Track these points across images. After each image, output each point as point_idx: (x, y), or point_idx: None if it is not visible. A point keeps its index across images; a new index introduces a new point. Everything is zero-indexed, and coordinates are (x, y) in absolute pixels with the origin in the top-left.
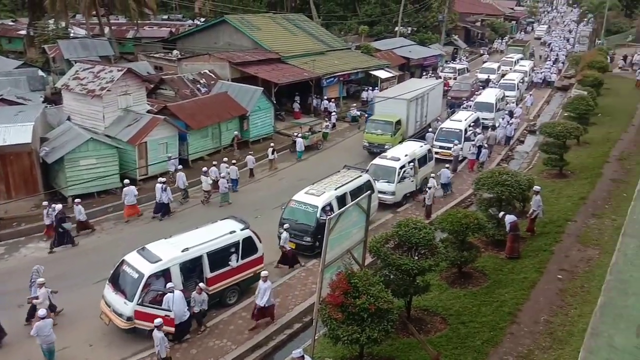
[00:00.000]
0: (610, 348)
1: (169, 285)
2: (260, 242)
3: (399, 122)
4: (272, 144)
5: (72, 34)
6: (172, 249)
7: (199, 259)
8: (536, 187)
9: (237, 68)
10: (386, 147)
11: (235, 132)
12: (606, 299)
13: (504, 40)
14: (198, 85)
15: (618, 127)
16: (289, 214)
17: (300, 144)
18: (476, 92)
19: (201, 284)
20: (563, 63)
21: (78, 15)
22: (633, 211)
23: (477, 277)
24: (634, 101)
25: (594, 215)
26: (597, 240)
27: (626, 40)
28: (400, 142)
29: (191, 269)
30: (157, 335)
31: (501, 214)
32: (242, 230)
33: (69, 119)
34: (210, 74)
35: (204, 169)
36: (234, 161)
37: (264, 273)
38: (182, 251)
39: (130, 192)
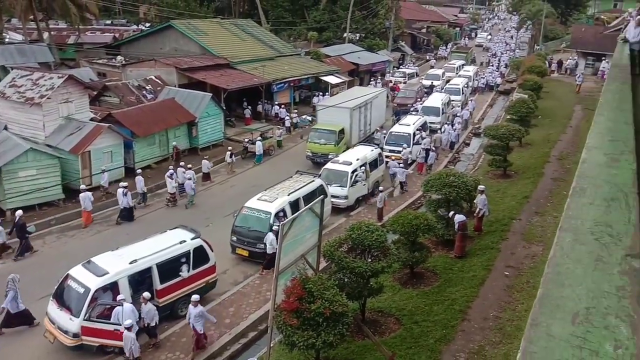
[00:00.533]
0: (549, 337)
1: (119, 297)
2: (212, 250)
3: (342, 131)
4: (230, 148)
5: (7, 40)
6: (119, 262)
7: (148, 271)
8: (480, 187)
9: (184, 74)
10: (330, 156)
11: (174, 143)
12: (544, 290)
13: (448, 47)
14: (144, 92)
15: (557, 129)
16: (241, 221)
17: (259, 146)
18: (420, 99)
19: (145, 294)
20: (506, 67)
21: (14, 20)
22: (568, 207)
23: (429, 277)
24: (571, 104)
25: (537, 213)
26: (541, 237)
27: (561, 46)
28: (344, 151)
29: (140, 281)
30: (128, 335)
31: (451, 213)
32: (192, 239)
33: (5, 128)
34: (157, 80)
35: (170, 171)
36: (189, 166)
37: (194, 297)
38: (130, 263)
39: (86, 198)
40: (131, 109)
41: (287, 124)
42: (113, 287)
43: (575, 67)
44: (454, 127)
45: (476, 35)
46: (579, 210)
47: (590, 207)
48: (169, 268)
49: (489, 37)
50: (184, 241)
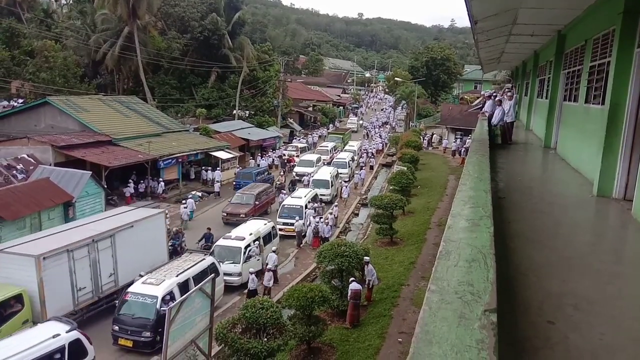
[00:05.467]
0: None
1: None
2: (91, 343)
3: (18, 299)
4: None
5: None
6: None
7: None
8: (365, 258)
9: (61, 152)
10: None
11: None
12: (414, 349)
13: (330, 126)
14: (14, 172)
15: (435, 197)
16: (124, 308)
17: (192, 204)
18: (263, 204)
19: None
20: (382, 145)
21: None
22: (436, 269)
23: (326, 351)
24: (445, 174)
25: (423, 278)
26: None
27: (435, 122)
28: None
29: None
30: None
31: (351, 279)
32: (67, 332)
33: None
34: (29, 159)
35: None
36: None
37: None
38: None
39: None
40: None
41: (217, 188)
42: None
43: (440, 141)
44: (331, 212)
45: (357, 113)
46: (445, 272)
47: (455, 268)
48: None
49: (360, 121)
50: (58, 335)
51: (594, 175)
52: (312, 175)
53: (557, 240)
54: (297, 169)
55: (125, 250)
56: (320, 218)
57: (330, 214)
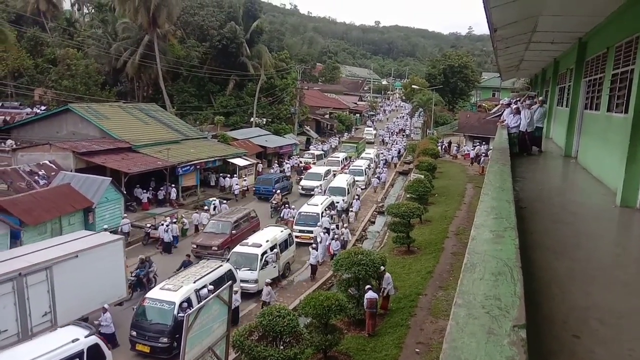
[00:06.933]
0: None
1: None
2: (109, 348)
3: None
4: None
5: None
6: None
7: None
8: (381, 267)
9: (82, 158)
10: None
11: None
12: None
13: (343, 135)
14: (36, 177)
15: (453, 206)
16: (142, 313)
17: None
18: (243, 233)
19: None
20: (399, 152)
21: None
22: (461, 283)
23: None
24: (463, 182)
25: (440, 288)
26: (446, 311)
27: (452, 130)
28: None
29: None
30: None
31: (367, 287)
32: (86, 337)
33: None
34: (51, 165)
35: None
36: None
37: None
38: None
39: None
40: (20, 195)
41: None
42: None
43: (457, 149)
44: (342, 229)
45: (375, 120)
46: (471, 286)
47: (481, 282)
48: None
49: (375, 131)
50: (77, 339)
51: (617, 184)
52: (318, 189)
53: (580, 252)
54: (303, 182)
55: (67, 284)
56: (337, 226)
57: (341, 234)
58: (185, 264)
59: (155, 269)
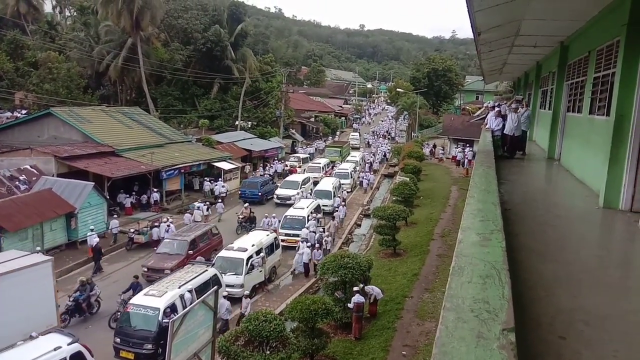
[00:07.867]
0: None
1: None
2: (93, 356)
3: None
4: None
5: None
6: None
7: None
8: (361, 285)
9: (64, 162)
10: None
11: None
12: None
13: (328, 138)
14: (17, 182)
15: (438, 208)
16: (126, 320)
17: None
18: (202, 252)
19: None
20: (385, 155)
21: None
22: (449, 286)
23: None
24: (447, 185)
25: (426, 290)
26: (432, 314)
27: (436, 133)
28: None
29: None
30: None
31: (355, 288)
32: (69, 344)
33: None
34: (32, 170)
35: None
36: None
37: None
38: None
39: None
40: (0, 201)
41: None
42: None
43: (443, 152)
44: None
45: (361, 123)
46: (459, 289)
47: (469, 285)
48: None
49: (359, 136)
50: (59, 347)
51: (600, 186)
52: (295, 198)
53: (565, 254)
54: (278, 191)
55: None
56: (323, 230)
57: (325, 243)
58: (134, 287)
59: (98, 293)
